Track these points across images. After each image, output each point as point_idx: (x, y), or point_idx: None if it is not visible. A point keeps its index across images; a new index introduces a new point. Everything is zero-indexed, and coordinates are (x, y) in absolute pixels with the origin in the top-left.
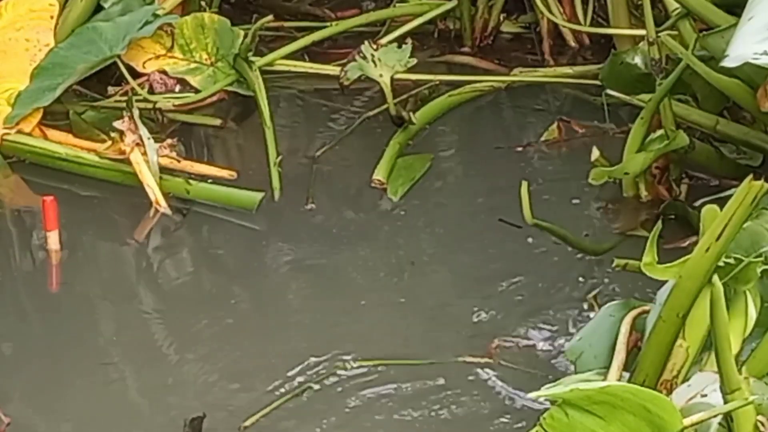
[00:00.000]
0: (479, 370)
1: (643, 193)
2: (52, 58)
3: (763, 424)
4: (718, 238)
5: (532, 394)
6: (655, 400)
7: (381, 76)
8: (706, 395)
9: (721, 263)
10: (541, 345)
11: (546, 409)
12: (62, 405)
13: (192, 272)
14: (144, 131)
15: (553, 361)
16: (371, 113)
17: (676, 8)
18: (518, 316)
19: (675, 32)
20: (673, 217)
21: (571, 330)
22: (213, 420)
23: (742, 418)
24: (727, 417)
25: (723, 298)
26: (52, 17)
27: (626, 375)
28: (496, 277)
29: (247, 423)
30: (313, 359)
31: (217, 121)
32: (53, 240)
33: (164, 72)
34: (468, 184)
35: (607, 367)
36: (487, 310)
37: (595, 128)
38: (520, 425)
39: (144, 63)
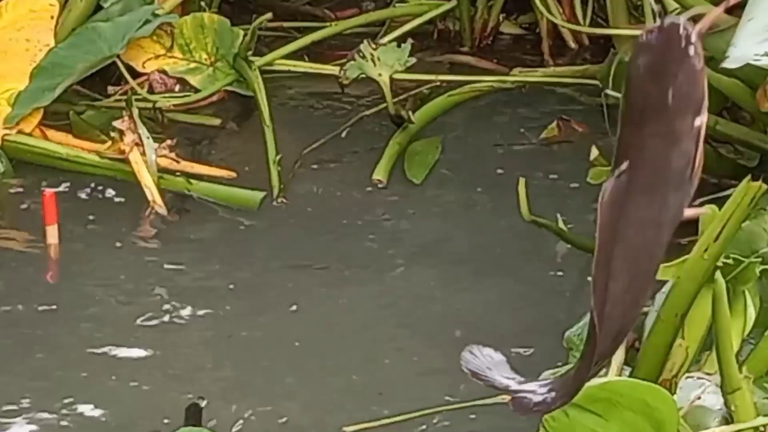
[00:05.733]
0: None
1: None
2: (52, 58)
3: (763, 426)
4: (716, 239)
5: None
6: (654, 393)
7: (380, 75)
8: (700, 398)
9: (719, 263)
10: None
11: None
12: (59, 395)
13: (190, 271)
14: (143, 130)
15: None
16: (368, 112)
17: (676, 8)
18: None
19: None
20: None
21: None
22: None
23: (742, 418)
24: (727, 417)
25: (725, 295)
26: (52, 17)
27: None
28: (502, 278)
29: None
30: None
31: (217, 121)
32: (52, 234)
33: (164, 72)
34: (467, 183)
35: None
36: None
37: (595, 128)
38: None
39: (144, 63)
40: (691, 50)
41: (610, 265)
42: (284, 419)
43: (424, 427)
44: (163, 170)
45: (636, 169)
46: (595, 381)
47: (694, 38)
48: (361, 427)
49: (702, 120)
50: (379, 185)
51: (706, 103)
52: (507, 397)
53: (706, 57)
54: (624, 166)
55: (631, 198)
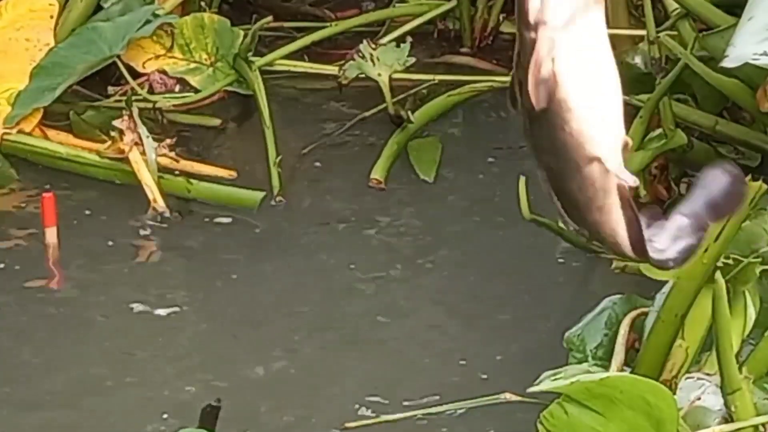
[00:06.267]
0: None
1: (642, 192)
2: (52, 57)
3: (763, 425)
4: (716, 239)
5: (533, 389)
6: (654, 390)
7: (380, 75)
8: (700, 398)
9: (719, 263)
10: None
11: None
12: (58, 398)
13: (190, 271)
14: (143, 130)
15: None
16: (367, 113)
17: (676, 8)
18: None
19: (675, 32)
20: None
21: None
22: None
23: (742, 419)
24: (727, 417)
25: (725, 295)
26: (52, 17)
27: None
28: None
29: None
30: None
31: (217, 121)
32: (51, 235)
33: (164, 72)
34: (467, 183)
35: (604, 359)
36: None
37: None
38: None
39: (144, 63)
40: None
41: None
42: (283, 414)
43: (424, 423)
44: (163, 170)
45: None
46: (594, 376)
47: None
48: (362, 424)
49: None
50: (378, 185)
51: None
52: (508, 396)
53: (705, 57)
54: None
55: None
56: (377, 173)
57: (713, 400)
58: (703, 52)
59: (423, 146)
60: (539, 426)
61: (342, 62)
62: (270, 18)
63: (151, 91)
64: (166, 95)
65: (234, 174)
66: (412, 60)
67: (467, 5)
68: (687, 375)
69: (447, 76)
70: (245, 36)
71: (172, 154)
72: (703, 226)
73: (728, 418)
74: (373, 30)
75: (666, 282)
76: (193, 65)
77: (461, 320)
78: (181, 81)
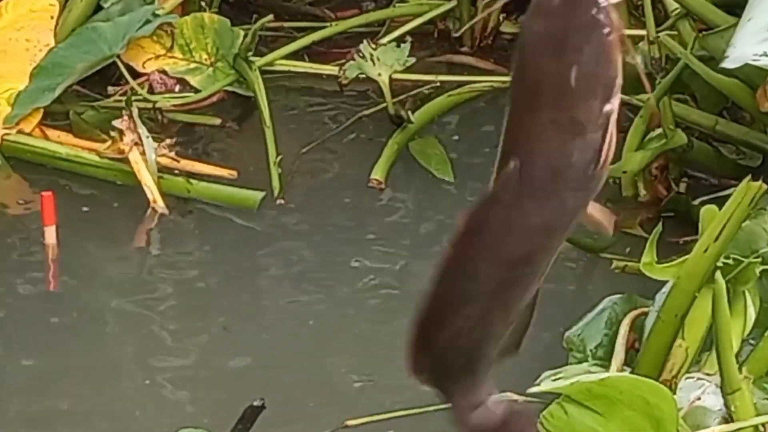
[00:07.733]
0: None
1: (642, 192)
2: (52, 57)
3: (763, 425)
4: (716, 239)
5: (533, 389)
6: (654, 390)
7: (380, 75)
8: (699, 398)
9: (719, 263)
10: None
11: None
12: (60, 398)
13: (190, 271)
14: (143, 130)
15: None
16: (367, 112)
17: (676, 8)
18: None
19: (675, 32)
20: (674, 214)
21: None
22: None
23: (742, 419)
24: (727, 417)
25: (725, 295)
26: (52, 17)
27: None
28: None
29: None
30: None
31: (217, 121)
32: (50, 235)
33: (164, 72)
34: (468, 184)
35: (604, 359)
36: None
37: None
38: None
39: (144, 63)
40: (602, 17)
41: (469, 274)
42: (283, 411)
43: (424, 422)
44: (163, 170)
45: (528, 168)
46: (594, 376)
47: (604, 2)
48: (362, 421)
49: (613, 105)
50: (378, 185)
51: (619, 83)
52: (508, 396)
53: (705, 57)
54: (513, 165)
55: (522, 205)
56: (377, 173)
57: (713, 400)
58: (703, 52)
59: (425, 147)
60: (539, 426)
61: (342, 62)
62: (270, 17)
63: (151, 91)
64: (166, 95)
65: (234, 174)
66: (413, 60)
67: (467, 5)
68: (687, 375)
69: (447, 76)
70: (245, 36)
71: (172, 154)
72: None
73: (728, 418)
74: (373, 30)
75: (666, 282)
76: (193, 65)
77: None
78: (181, 81)
